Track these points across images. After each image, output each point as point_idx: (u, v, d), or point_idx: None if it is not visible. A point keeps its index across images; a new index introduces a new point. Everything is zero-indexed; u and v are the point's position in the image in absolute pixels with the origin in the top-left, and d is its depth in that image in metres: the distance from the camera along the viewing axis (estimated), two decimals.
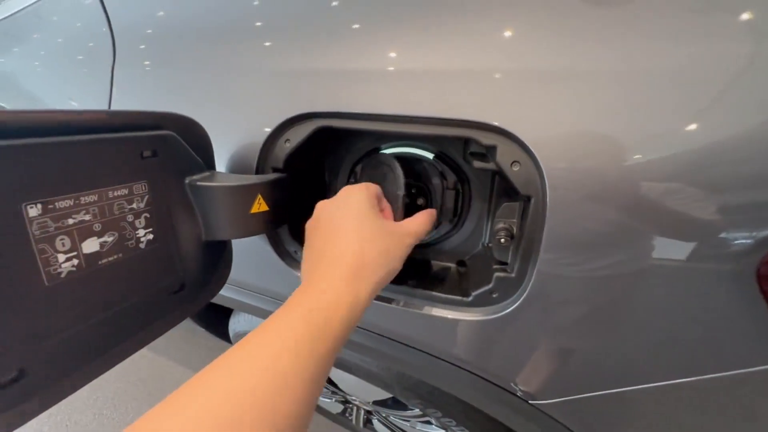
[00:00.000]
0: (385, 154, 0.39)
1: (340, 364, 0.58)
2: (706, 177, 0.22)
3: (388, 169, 0.34)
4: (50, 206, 0.21)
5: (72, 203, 0.22)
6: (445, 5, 0.28)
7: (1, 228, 0.19)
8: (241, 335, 0.71)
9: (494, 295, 0.33)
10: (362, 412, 0.88)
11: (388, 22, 0.30)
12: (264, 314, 0.48)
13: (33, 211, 0.21)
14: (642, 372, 0.30)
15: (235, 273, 0.36)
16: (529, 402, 0.37)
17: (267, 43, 0.34)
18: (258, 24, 0.35)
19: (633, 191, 0.24)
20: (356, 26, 0.30)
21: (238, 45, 0.35)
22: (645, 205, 0.24)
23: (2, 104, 0.49)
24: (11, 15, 0.48)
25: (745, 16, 0.21)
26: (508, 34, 0.26)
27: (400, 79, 0.29)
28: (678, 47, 0.23)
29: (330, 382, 0.74)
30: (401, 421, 0.77)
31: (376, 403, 0.72)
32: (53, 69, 0.43)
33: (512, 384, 0.36)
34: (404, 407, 0.67)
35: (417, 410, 0.64)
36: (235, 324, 0.73)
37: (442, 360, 0.37)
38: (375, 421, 0.90)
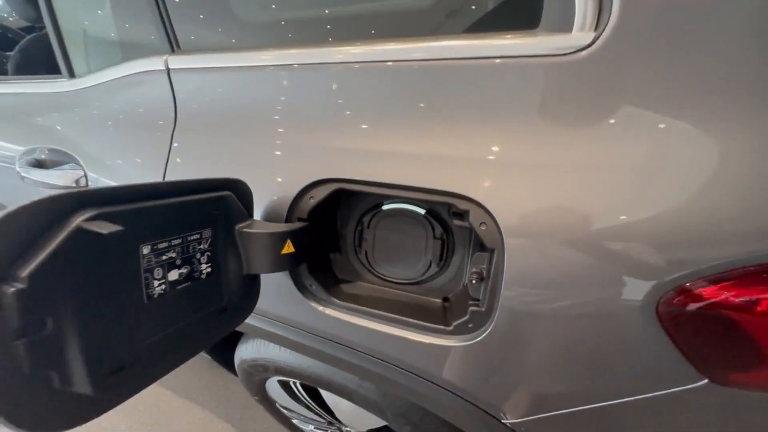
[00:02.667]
0: (402, 208, 0.48)
1: (339, 390, 0.65)
2: (613, 241, 0.32)
3: (409, 222, 0.43)
4: (154, 246, 0.31)
5: (167, 245, 0.32)
6: (431, 111, 0.39)
7: (126, 262, 0.29)
8: (247, 362, 0.77)
9: (470, 326, 0.41)
10: None
11: (390, 119, 0.41)
12: (279, 340, 0.55)
13: (145, 250, 0.30)
14: (585, 394, 0.38)
15: (259, 302, 0.45)
16: (501, 421, 0.44)
17: (300, 125, 0.45)
18: (293, 110, 0.46)
19: (567, 249, 0.33)
20: (364, 126, 0.41)
21: (279, 125, 0.46)
22: (576, 259, 0.33)
23: (78, 159, 0.59)
24: (88, 87, 0.60)
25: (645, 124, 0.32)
26: (478, 133, 0.37)
27: (400, 158, 0.40)
28: (590, 145, 0.33)
29: (328, 411, 0.78)
30: None
31: None
32: (123, 133, 0.54)
33: (486, 403, 0.43)
34: None
35: None
36: (242, 351, 0.79)
37: (428, 381, 0.45)
38: None
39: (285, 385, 0.80)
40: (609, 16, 0.30)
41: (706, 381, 0.34)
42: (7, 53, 1.88)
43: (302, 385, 0.75)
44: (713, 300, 0.30)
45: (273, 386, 0.83)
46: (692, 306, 0.31)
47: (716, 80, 0.29)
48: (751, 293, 0.29)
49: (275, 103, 0.45)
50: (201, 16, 0.49)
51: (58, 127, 0.63)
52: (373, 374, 0.48)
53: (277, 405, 0.93)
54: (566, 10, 0.31)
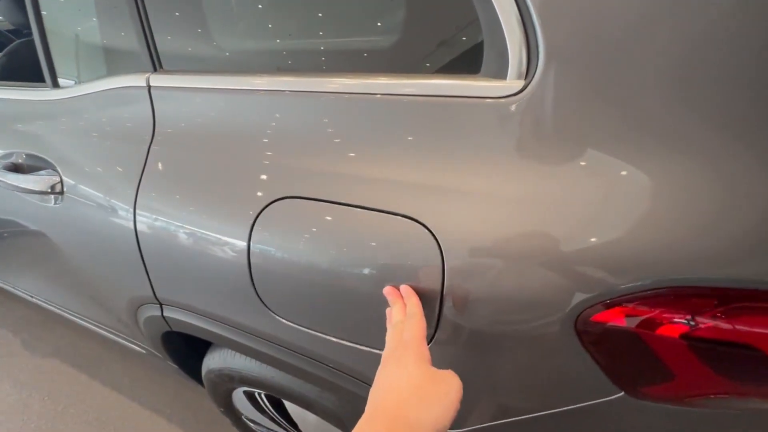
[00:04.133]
0: None
1: (300, 400, 0.66)
2: (537, 265, 0.36)
3: None
4: None
5: None
6: (387, 138, 0.42)
7: None
8: (214, 372, 0.77)
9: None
10: None
11: (350, 144, 0.44)
12: (240, 348, 0.57)
13: None
14: (518, 406, 0.41)
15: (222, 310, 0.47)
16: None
17: (265, 145, 0.48)
18: (259, 130, 0.49)
19: (498, 271, 0.37)
20: (353, 154, 0.44)
21: (248, 143, 0.49)
22: (502, 279, 0.37)
23: (56, 165, 0.61)
24: (71, 97, 0.62)
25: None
26: (427, 160, 0.41)
27: (360, 182, 0.43)
28: (516, 175, 0.37)
29: (292, 423, 0.79)
30: None
31: None
32: (103, 143, 0.57)
33: None
34: None
35: None
36: (209, 361, 0.80)
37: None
38: None
39: (250, 397, 0.81)
40: (536, 68, 0.34)
41: (622, 394, 0.37)
42: None
43: (267, 396, 0.76)
44: (622, 319, 0.34)
45: (239, 397, 0.83)
46: (605, 325, 0.34)
47: (634, 122, 0.34)
48: (653, 314, 0.33)
49: (242, 122, 0.48)
50: (182, 40, 0.52)
51: (37, 134, 0.65)
52: (328, 382, 0.50)
53: (243, 417, 0.92)
54: (502, 60, 0.36)
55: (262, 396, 0.76)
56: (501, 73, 0.36)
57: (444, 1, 0.41)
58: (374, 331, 0.44)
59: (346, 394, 0.53)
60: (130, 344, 1.05)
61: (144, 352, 1.04)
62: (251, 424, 0.93)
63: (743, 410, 0.36)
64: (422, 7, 0.44)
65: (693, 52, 0.31)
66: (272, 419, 0.82)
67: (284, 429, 0.84)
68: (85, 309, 0.98)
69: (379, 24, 0.46)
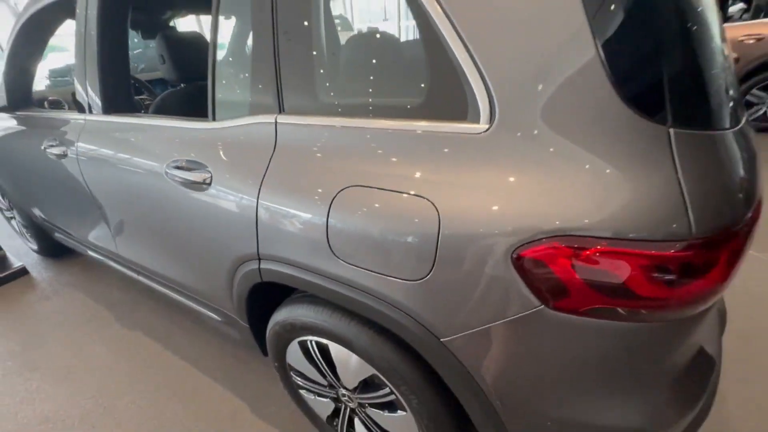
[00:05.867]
0: None
1: (342, 340, 0.92)
2: (489, 224, 0.63)
3: None
4: None
5: None
6: (403, 155, 0.73)
7: None
8: (279, 323, 1.05)
9: (420, 273, 0.71)
10: (347, 412, 1.14)
11: (379, 158, 0.75)
12: (309, 285, 0.87)
13: None
14: (477, 318, 0.67)
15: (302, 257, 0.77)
16: (440, 339, 0.72)
17: (339, 157, 0.81)
18: (342, 151, 0.82)
19: (470, 227, 0.65)
20: (394, 159, 0.77)
21: (332, 159, 0.82)
22: (473, 234, 0.64)
23: (208, 166, 0.98)
24: (225, 128, 1.00)
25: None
26: (426, 168, 0.71)
27: (395, 177, 0.73)
28: (484, 174, 0.65)
29: (333, 369, 1.04)
30: (377, 413, 1.04)
31: (357, 390, 1.02)
32: (241, 154, 0.94)
33: (430, 324, 0.72)
34: (378, 388, 0.97)
35: (386, 390, 0.94)
36: (276, 316, 1.08)
37: (397, 308, 0.74)
38: (357, 425, 1.15)
39: (302, 347, 1.08)
40: (495, 116, 0.64)
41: (542, 307, 0.62)
42: (141, 97, 2.50)
43: (316, 344, 1.03)
44: (540, 254, 0.60)
45: (293, 349, 1.11)
46: (529, 258, 0.60)
47: (550, 142, 0.62)
48: (556, 251, 0.59)
49: (334, 146, 0.82)
50: (298, 92, 0.88)
51: (198, 147, 1.03)
52: (365, 305, 0.77)
53: (291, 373, 1.19)
54: (477, 113, 0.66)
55: (313, 343, 1.03)
56: (475, 118, 0.66)
57: (444, 85, 0.71)
58: (400, 266, 0.72)
59: (371, 311, 0.79)
60: (208, 312, 1.37)
61: (219, 319, 1.35)
62: (298, 379, 1.19)
63: (615, 317, 0.59)
64: (436, 84, 0.75)
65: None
66: (317, 368, 1.08)
67: (324, 377, 1.09)
68: (185, 278, 1.32)
69: (409, 92, 0.78)
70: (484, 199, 0.64)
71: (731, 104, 0.66)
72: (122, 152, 1.25)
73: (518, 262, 0.61)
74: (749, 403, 1.35)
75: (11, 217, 2.63)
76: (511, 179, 0.63)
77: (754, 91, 3.89)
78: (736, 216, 0.58)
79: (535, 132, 0.61)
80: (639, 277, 0.56)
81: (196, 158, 1.02)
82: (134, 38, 2.23)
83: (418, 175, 0.70)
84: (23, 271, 2.40)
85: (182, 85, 1.60)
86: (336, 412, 1.18)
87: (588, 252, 0.57)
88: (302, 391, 1.22)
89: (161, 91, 1.84)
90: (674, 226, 0.54)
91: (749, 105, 3.98)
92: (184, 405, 1.48)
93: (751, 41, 3.73)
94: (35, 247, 2.54)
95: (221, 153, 0.97)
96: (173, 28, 2.19)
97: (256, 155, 0.91)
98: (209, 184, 0.98)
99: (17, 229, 2.65)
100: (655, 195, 0.55)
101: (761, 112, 3.97)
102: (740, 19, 4.03)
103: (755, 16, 3.85)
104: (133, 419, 1.44)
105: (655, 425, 0.68)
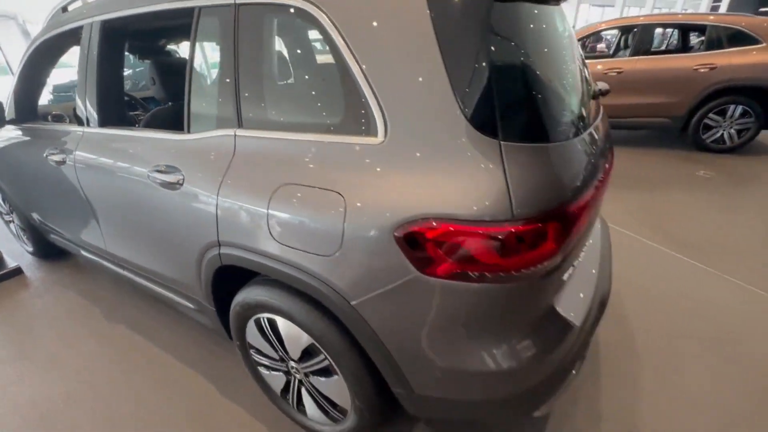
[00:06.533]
0: None
1: (285, 314, 1.12)
2: (382, 207, 0.84)
3: None
4: None
5: None
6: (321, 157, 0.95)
7: None
8: (239, 304, 1.24)
9: (332, 248, 0.92)
10: (296, 383, 1.32)
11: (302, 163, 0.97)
12: (258, 266, 1.07)
13: None
14: (372, 285, 0.87)
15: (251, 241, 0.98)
16: (351, 303, 0.92)
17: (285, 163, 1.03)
18: (293, 158, 1.04)
19: (368, 213, 0.86)
20: (312, 166, 0.99)
21: (282, 162, 1.04)
22: (368, 215, 0.85)
23: (182, 169, 1.20)
24: (196, 138, 1.22)
25: None
26: (338, 169, 0.93)
27: (315, 175, 0.95)
28: (383, 174, 0.87)
29: (281, 342, 1.23)
30: (318, 380, 1.22)
31: (301, 360, 1.20)
32: (209, 159, 1.16)
33: (342, 290, 0.92)
34: (316, 355, 1.16)
35: (322, 356, 1.13)
36: (237, 298, 1.27)
37: (316, 277, 0.94)
38: (304, 395, 1.32)
39: (257, 324, 1.26)
40: (387, 131, 0.86)
41: (417, 273, 0.82)
42: (136, 112, 2.73)
43: (268, 321, 1.22)
44: (414, 231, 0.81)
45: (250, 327, 1.29)
46: (405, 235, 0.81)
47: (430, 143, 0.83)
48: (424, 229, 0.80)
49: (275, 154, 1.03)
50: (252, 111, 1.10)
51: (174, 155, 1.25)
52: (296, 278, 0.98)
53: (250, 351, 1.37)
54: (377, 128, 0.88)
55: (265, 320, 1.22)
56: (375, 133, 0.88)
57: (354, 109, 0.92)
58: (318, 244, 0.92)
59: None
60: (183, 300, 1.56)
61: (193, 307, 1.54)
62: (256, 356, 1.37)
63: (471, 280, 0.79)
64: (349, 108, 0.97)
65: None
66: (270, 342, 1.27)
67: (275, 351, 1.28)
68: (163, 268, 1.51)
69: (331, 114, 1.00)
70: (377, 192, 0.86)
71: (567, 121, 0.88)
72: (113, 159, 1.47)
73: (397, 239, 0.82)
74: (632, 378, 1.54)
75: (10, 221, 2.82)
76: (396, 177, 0.84)
77: (711, 115, 4.20)
78: (553, 204, 0.79)
79: (413, 143, 0.83)
80: (480, 248, 0.77)
81: (172, 163, 1.23)
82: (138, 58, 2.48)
83: (332, 175, 0.92)
84: (18, 271, 2.57)
85: (170, 103, 1.84)
86: (288, 386, 1.36)
87: (444, 230, 0.79)
88: (260, 368, 1.40)
89: (154, 108, 2.08)
90: (501, 210, 0.76)
91: (707, 128, 4.28)
92: (160, 387, 1.65)
93: (705, 70, 4.07)
94: (31, 249, 2.72)
95: (192, 159, 1.19)
96: (166, 53, 2.45)
97: (218, 161, 1.12)
98: (182, 184, 1.20)
99: (14, 232, 2.84)
100: (489, 189, 0.77)
101: (718, 134, 4.27)
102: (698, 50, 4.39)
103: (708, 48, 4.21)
104: (113, 398, 1.60)
105: (514, 367, 0.87)
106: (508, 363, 0.87)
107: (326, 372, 1.17)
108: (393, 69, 0.84)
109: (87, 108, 1.59)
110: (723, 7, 15.89)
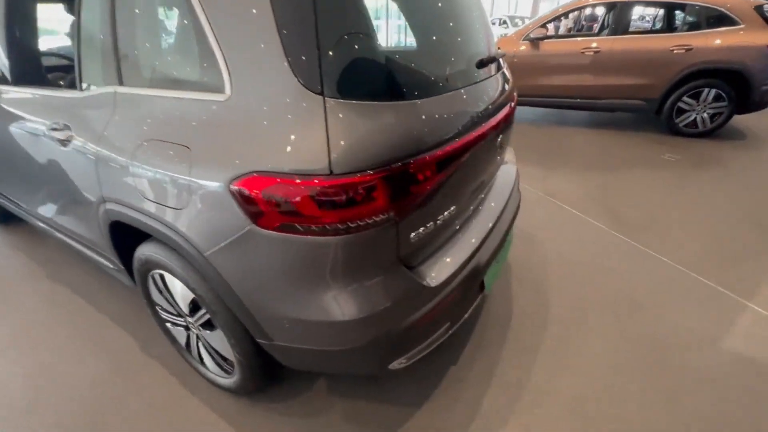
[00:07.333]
0: None
1: (168, 269, 1.16)
2: (228, 162, 0.87)
3: None
4: None
5: None
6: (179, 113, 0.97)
7: None
8: (138, 260, 1.29)
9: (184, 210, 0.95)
10: (195, 338, 1.38)
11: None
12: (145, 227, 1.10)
13: None
14: (215, 237, 0.91)
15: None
16: (204, 254, 0.96)
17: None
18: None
19: (223, 168, 0.89)
20: (162, 117, 1.01)
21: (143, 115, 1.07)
22: (216, 170, 0.88)
23: (71, 126, 1.22)
24: (86, 96, 1.24)
25: None
26: (190, 122, 0.95)
27: (169, 126, 0.97)
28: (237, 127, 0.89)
29: (173, 297, 1.28)
30: (206, 334, 1.28)
31: (191, 315, 1.25)
32: (93, 113, 1.18)
33: (196, 243, 0.96)
34: (199, 309, 1.21)
35: (204, 310, 1.18)
36: (135, 255, 1.32)
37: (173, 229, 0.98)
38: (201, 348, 1.39)
39: (154, 281, 1.31)
40: (232, 89, 0.88)
41: (253, 225, 0.86)
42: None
43: (160, 277, 1.26)
44: (243, 185, 0.84)
45: (151, 285, 1.34)
46: (239, 188, 0.84)
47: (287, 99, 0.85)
48: (252, 183, 0.83)
49: (143, 109, 1.05)
50: (129, 69, 1.11)
51: (68, 113, 1.27)
52: (159, 231, 1.01)
53: (156, 308, 1.43)
54: (221, 85, 0.89)
55: (157, 276, 1.26)
56: (222, 90, 0.89)
57: (209, 69, 0.93)
58: (172, 197, 0.95)
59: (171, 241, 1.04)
60: (102, 260, 1.60)
61: (111, 267, 1.59)
62: (161, 313, 1.43)
63: (298, 233, 0.83)
64: (205, 68, 0.98)
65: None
66: (166, 298, 1.32)
67: (173, 306, 1.33)
68: (76, 226, 1.55)
69: (190, 73, 1.01)
70: (219, 147, 0.88)
71: (412, 81, 0.90)
72: (23, 119, 1.49)
73: (232, 192, 0.85)
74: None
75: None
76: (235, 132, 0.87)
77: (685, 98, 4.15)
78: (378, 162, 0.82)
79: (251, 100, 0.85)
80: (301, 202, 0.81)
81: (65, 121, 1.25)
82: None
83: (185, 130, 0.94)
84: None
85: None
86: (189, 340, 1.42)
87: (269, 183, 0.82)
88: (167, 324, 1.46)
89: None
90: (319, 165, 0.79)
91: (681, 111, 4.23)
92: (86, 342, 1.72)
93: (681, 51, 3.99)
94: None
95: (79, 116, 1.21)
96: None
97: (100, 117, 1.15)
98: (71, 141, 1.22)
99: None
100: (311, 144, 0.80)
101: (691, 118, 4.23)
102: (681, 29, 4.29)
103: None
104: (49, 346, 1.68)
105: (352, 319, 0.92)
106: (345, 314, 0.92)
107: (211, 325, 1.23)
108: (236, 28, 0.85)
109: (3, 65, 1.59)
110: None
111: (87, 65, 1.22)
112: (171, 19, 1.06)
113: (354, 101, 0.82)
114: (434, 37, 1.01)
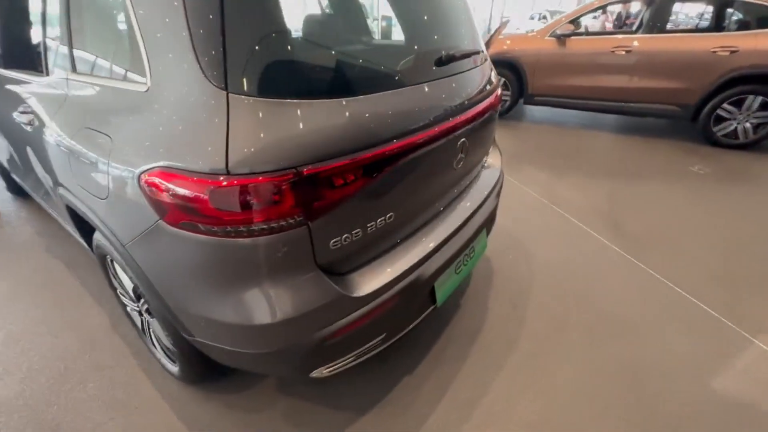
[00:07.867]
0: None
1: (110, 255, 1.18)
2: (132, 157, 0.85)
3: None
4: None
5: None
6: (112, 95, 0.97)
7: None
8: (94, 245, 1.32)
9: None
10: (146, 323, 1.41)
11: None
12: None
13: None
14: (134, 228, 0.90)
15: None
16: (124, 245, 0.96)
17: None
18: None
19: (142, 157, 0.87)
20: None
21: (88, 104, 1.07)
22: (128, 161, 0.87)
23: (34, 109, 1.26)
24: (53, 80, 1.27)
25: None
26: (120, 112, 0.94)
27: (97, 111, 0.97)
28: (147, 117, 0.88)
29: (122, 283, 1.31)
30: (150, 320, 1.29)
31: (137, 301, 1.27)
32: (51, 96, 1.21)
33: (116, 233, 0.95)
34: (140, 297, 1.22)
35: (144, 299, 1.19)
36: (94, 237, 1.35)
37: (99, 219, 0.98)
38: (151, 334, 1.41)
39: (110, 266, 1.34)
40: (150, 79, 0.86)
41: (160, 220, 0.84)
42: None
43: (111, 263, 1.29)
44: (149, 181, 0.82)
45: (107, 269, 1.38)
46: (147, 182, 0.83)
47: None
48: (158, 178, 0.81)
49: (84, 96, 1.06)
50: (79, 57, 1.12)
51: (32, 98, 1.31)
52: (90, 219, 1.02)
53: (118, 292, 1.46)
54: (143, 76, 0.87)
55: (109, 261, 1.29)
56: (143, 81, 0.87)
57: (135, 61, 0.91)
58: (97, 187, 0.95)
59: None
60: (81, 240, 1.66)
61: (86, 246, 1.64)
62: (121, 297, 1.46)
63: (202, 232, 0.80)
64: (132, 60, 0.97)
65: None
66: (119, 283, 1.35)
67: (124, 291, 1.36)
68: (53, 205, 1.61)
69: (120, 63, 1.00)
70: (134, 138, 0.87)
71: (316, 80, 0.84)
72: (7, 102, 1.55)
73: (141, 186, 0.84)
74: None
75: None
76: (150, 125, 0.85)
77: (725, 105, 3.77)
78: (284, 164, 0.77)
79: (165, 93, 0.83)
80: (200, 200, 0.77)
81: (29, 105, 1.29)
82: None
83: (108, 117, 0.94)
84: None
85: None
86: (143, 326, 1.45)
87: (170, 179, 0.79)
88: (127, 308, 1.50)
89: None
90: (217, 164, 0.75)
91: (720, 120, 3.86)
92: (68, 317, 1.80)
93: (725, 53, 3.62)
94: (5, 186, 2.96)
95: (39, 100, 1.24)
96: None
97: (54, 102, 1.17)
98: (33, 125, 1.26)
99: None
100: (212, 141, 0.76)
101: (731, 128, 3.84)
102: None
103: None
104: (27, 316, 1.78)
105: (260, 323, 0.88)
106: (250, 319, 0.88)
107: (150, 312, 1.24)
108: (155, 17, 0.82)
109: None
110: None
111: (50, 51, 1.25)
112: (111, 9, 1.05)
113: (262, 99, 0.77)
114: (377, 33, 0.94)
